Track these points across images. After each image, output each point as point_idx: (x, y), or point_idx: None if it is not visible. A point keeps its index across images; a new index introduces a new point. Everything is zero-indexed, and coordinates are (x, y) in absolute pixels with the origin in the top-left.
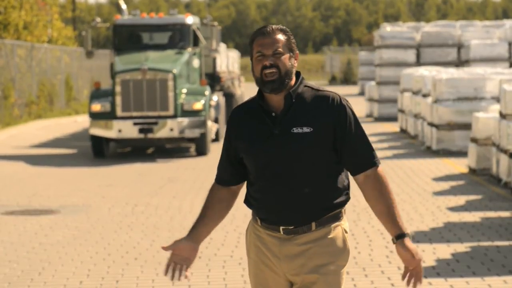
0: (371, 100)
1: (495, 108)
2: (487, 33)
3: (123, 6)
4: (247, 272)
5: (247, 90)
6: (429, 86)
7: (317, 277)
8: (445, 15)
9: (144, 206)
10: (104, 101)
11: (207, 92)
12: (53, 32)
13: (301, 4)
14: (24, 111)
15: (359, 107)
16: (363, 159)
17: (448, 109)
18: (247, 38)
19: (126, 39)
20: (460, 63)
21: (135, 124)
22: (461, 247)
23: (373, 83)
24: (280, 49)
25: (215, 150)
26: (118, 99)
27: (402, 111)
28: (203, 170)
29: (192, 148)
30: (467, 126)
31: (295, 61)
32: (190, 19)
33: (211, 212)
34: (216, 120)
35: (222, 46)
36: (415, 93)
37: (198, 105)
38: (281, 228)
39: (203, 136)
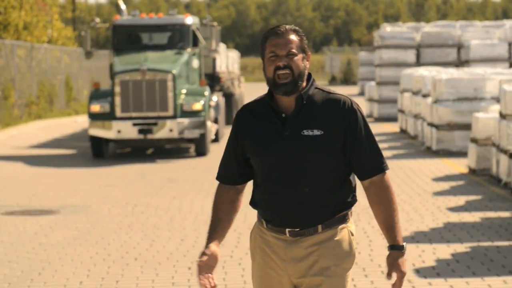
0: (371, 100)
1: (495, 109)
2: (487, 33)
3: (123, 6)
4: (247, 272)
5: (247, 91)
6: (429, 86)
7: (322, 279)
8: (445, 15)
9: (144, 206)
10: (104, 102)
11: (206, 93)
12: (53, 33)
13: (301, 4)
14: (24, 111)
15: None
16: (370, 165)
17: (448, 109)
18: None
19: (126, 39)
20: (460, 63)
21: (134, 124)
22: (461, 247)
23: (373, 83)
24: (293, 50)
25: (215, 151)
26: (118, 100)
27: (402, 111)
28: (203, 170)
29: (192, 148)
30: (467, 127)
31: (307, 62)
32: (190, 20)
33: (224, 214)
34: (215, 121)
35: (222, 46)
36: (415, 93)
37: (197, 106)
38: (287, 230)
39: (203, 136)
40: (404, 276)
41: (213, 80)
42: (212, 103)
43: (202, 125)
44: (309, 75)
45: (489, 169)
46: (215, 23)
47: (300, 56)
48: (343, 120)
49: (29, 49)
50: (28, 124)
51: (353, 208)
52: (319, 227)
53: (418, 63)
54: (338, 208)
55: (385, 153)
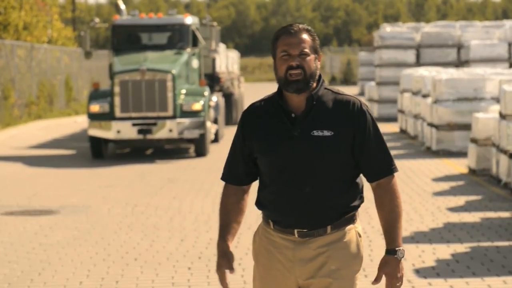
0: (371, 100)
1: (495, 109)
2: (487, 34)
3: (122, 6)
4: (247, 272)
5: (246, 91)
6: (429, 86)
7: (330, 281)
8: (445, 15)
9: (144, 206)
10: (103, 102)
11: (206, 93)
12: (53, 33)
13: (301, 4)
14: (24, 111)
15: None
16: (379, 167)
17: (448, 110)
18: (247, 39)
19: (125, 39)
20: (460, 63)
21: (134, 125)
22: (461, 248)
23: (373, 83)
24: (306, 50)
25: (215, 151)
26: (117, 100)
27: (402, 111)
28: (203, 170)
29: (192, 149)
30: (467, 127)
31: (319, 63)
32: (189, 19)
33: (233, 217)
34: (215, 121)
35: (222, 46)
36: (415, 93)
37: (197, 106)
38: (296, 231)
39: (203, 137)
40: (395, 280)
41: (212, 80)
42: (212, 103)
43: (202, 125)
44: (319, 76)
45: (489, 169)
46: (215, 23)
47: (312, 56)
48: (353, 121)
49: (29, 49)
50: (28, 124)
51: None
52: (328, 228)
53: (418, 63)
54: (347, 209)
55: None
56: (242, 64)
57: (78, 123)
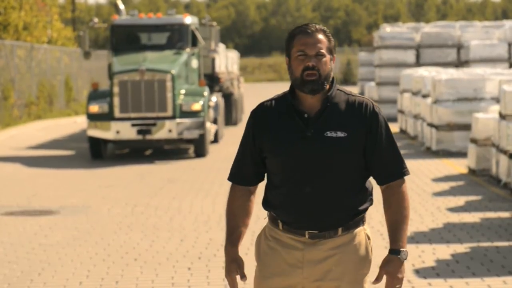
0: None
1: (494, 109)
2: (486, 34)
3: (121, 6)
4: (246, 272)
5: (246, 91)
6: (428, 86)
7: (339, 285)
8: (445, 15)
9: (143, 206)
10: (102, 102)
11: (206, 93)
12: (53, 33)
13: (301, 4)
14: (23, 111)
15: None
16: (390, 169)
17: (447, 110)
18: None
19: (124, 39)
20: (459, 63)
21: (133, 125)
22: (461, 248)
23: (372, 83)
24: (323, 51)
25: (214, 151)
26: (116, 100)
27: (401, 111)
28: (202, 171)
29: (191, 149)
30: (466, 127)
31: (333, 64)
32: (189, 19)
33: (241, 220)
34: (215, 121)
35: (221, 46)
36: (415, 93)
37: (196, 106)
38: (307, 232)
39: (202, 137)
40: (396, 280)
41: (212, 80)
42: (212, 104)
43: (201, 125)
44: (332, 77)
45: (489, 170)
46: (214, 23)
47: (328, 57)
48: (365, 123)
49: (29, 50)
50: (28, 124)
51: None
52: (339, 229)
53: (418, 63)
54: (357, 211)
55: None
56: (242, 64)
57: (78, 123)
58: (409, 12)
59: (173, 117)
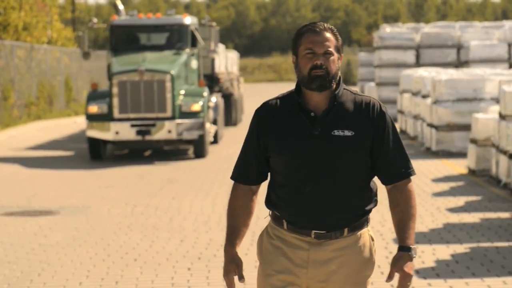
0: None
1: (494, 109)
2: (486, 34)
3: (120, 6)
4: (246, 273)
5: (246, 91)
6: (428, 87)
7: (343, 286)
8: (445, 16)
9: (143, 207)
10: (101, 103)
11: (205, 94)
12: (53, 33)
13: (301, 5)
14: (23, 112)
15: None
16: (396, 170)
17: (447, 110)
18: (247, 39)
19: (123, 39)
20: (459, 64)
21: (132, 126)
22: (461, 248)
23: (372, 84)
24: (331, 49)
25: (214, 152)
26: (115, 101)
27: (401, 112)
28: (202, 171)
29: (190, 150)
30: (466, 127)
31: (340, 62)
32: (188, 20)
33: (242, 220)
34: (214, 122)
35: (221, 46)
36: (415, 94)
37: (196, 107)
38: (313, 232)
39: (202, 138)
40: (408, 277)
41: (212, 81)
42: (211, 104)
43: (201, 126)
44: (339, 76)
45: (489, 170)
46: (214, 24)
47: (336, 56)
48: (372, 123)
49: (29, 50)
50: (28, 125)
51: None
52: (345, 230)
53: (418, 63)
54: (362, 211)
55: None
56: (242, 64)
57: (77, 123)
58: (409, 12)
59: (172, 117)
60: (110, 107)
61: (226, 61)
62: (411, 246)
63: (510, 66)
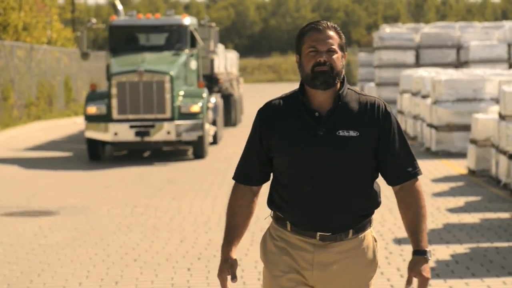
0: None
1: (494, 109)
2: (486, 34)
3: (119, 6)
4: (246, 273)
5: (246, 92)
6: (428, 87)
7: None
8: (444, 16)
9: (143, 207)
10: (100, 104)
11: (204, 94)
12: (53, 33)
13: (301, 5)
14: (23, 112)
15: None
16: (402, 170)
17: (447, 110)
18: (247, 39)
19: (122, 40)
20: (459, 64)
21: (131, 127)
22: (460, 249)
23: (372, 84)
24: (334, 47)
25: (214, 153)
26: (114, 102)
27: (401, 112)
28: (202, 171)
29: (190, 151)
30: (466, 127)
31: (344, 60)
32: (187, 20)
33: (241, 220)
34: (214, 123)
35: (220, 47)
36: (415, 94)
37: (195, 108)
38: (318, 234)
39: (201, 139)
40: (427, 281)
41: (211, 81)
42: (210, 105)
43: (200, 127)
44: (343, 75)
45: (489, 170)
46: (213, 24)
47: (339, 54)
48: (377, 123)
49: (29, 50)
50: (27, 125)
51: None
52: (350, 232)
53: (418, 64)
54: (367, 212)
55: None
56: (242, 65)
57: (77, 124)
58: (409, 12)
59: (171, 118)
60: (109, 108)
61: (226, 61)
62: (426, 249)
63: (510, 66)
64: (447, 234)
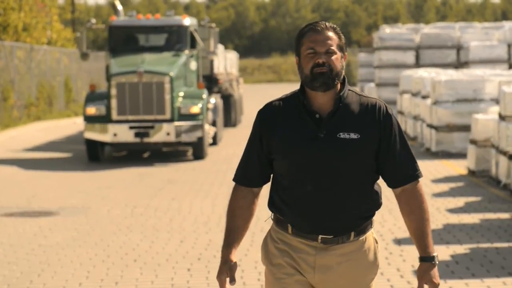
0: None
1: (494, 110)
2: (486, 35)
3: (119, 7)
4: (246, 273)
5: (246, 92)
6: (428, 87)
7: None
8: (444, 16)
9: (143, 207)
10: (99, 104)
11: (204, 95)
12: (53, 34)
13: (301, 5)
14: (23, 112)
15: None
16: (403, 173)
17: (447, 111)
18: (247, 40)
19: (122, 41)
20: (459, 64)
21: (131, 128)
22: (460, 249)
23: (372, 84)
24: (333, 48)
25: (213, 153)
26: (114, 102)
27: (401, 112)
28: (202, 172)
29: (190, 152)
30: (466, 128)
31: (344, 62)
32: (187, 21)
33: (241, 221)
34: (213, 123)
35: (220, 47)
36: (415, 94)
37: (195, 109)
38: (320, 237)
39: (201, 140)
40: (437, 287)
41: (211, 81)
42: (210, 106)
43: (200, 128)
44: (344, 76)
45: (489, 171)
46: (213, 25)
47: (339, 54)
48: (378, 125)
49: (29, 51)
50: (27, 125)
51: None
52: (352, 234)
53: (418, 64)
54: (368, 214)
55: None
56: (242, 65)
57: (77, 124)
58: (409, 13)
59: (171, 119)
60: (108, 108)
61: (226, 62)
62: (433, 254)
63: (510, 66)
64: (447, 234)
